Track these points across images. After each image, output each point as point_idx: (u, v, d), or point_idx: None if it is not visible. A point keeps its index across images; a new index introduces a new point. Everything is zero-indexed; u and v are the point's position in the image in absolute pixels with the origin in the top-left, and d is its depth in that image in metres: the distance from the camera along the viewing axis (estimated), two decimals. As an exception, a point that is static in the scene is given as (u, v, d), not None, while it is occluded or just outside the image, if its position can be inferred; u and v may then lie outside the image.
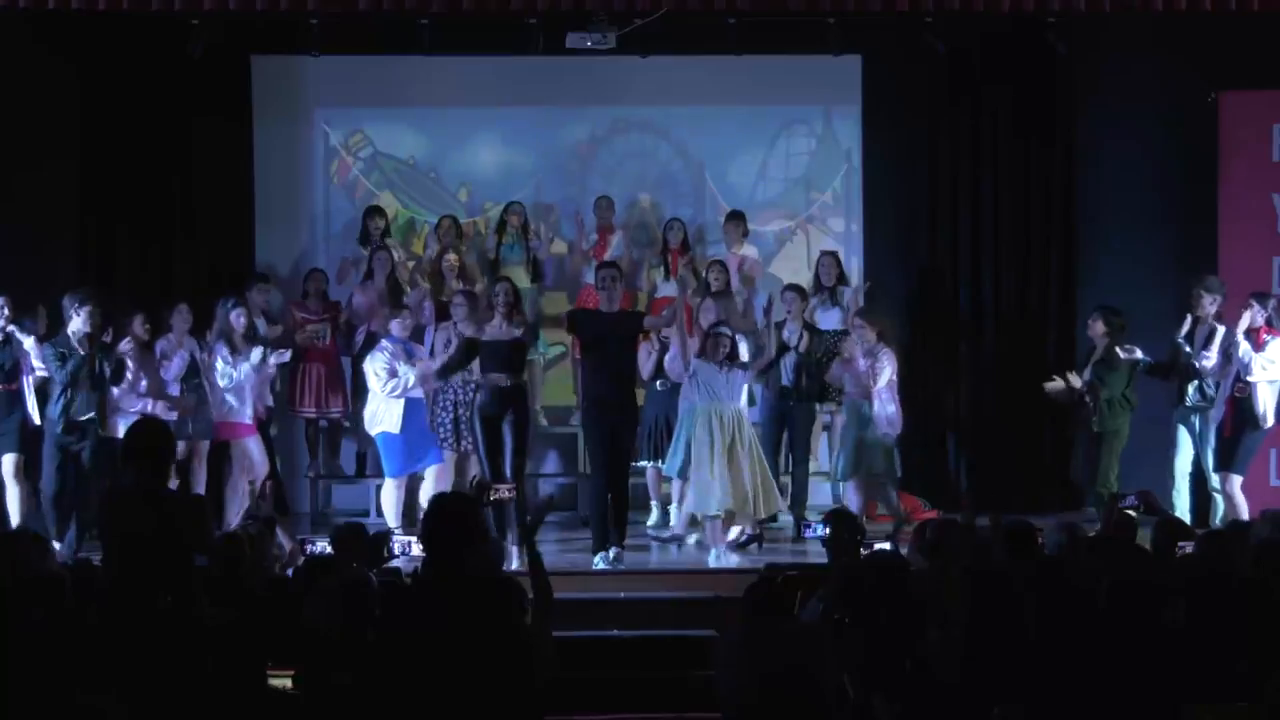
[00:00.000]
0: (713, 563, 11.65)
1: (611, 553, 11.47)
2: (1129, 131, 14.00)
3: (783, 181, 14.88)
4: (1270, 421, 12.15)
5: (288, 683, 6.54)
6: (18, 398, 12.01)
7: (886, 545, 8.86)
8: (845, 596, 7.51)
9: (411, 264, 14.26)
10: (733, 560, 11.69)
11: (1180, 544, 8.99)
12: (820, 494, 13.53)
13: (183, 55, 13.54)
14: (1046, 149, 14.35)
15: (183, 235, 14.24)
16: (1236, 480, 12.13)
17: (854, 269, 14.30)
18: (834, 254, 13.84)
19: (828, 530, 8.70)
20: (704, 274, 13.36)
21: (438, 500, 6.60)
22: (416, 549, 9.41)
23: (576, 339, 11.82)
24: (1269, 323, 12.15)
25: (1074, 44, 13.65)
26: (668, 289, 13.65)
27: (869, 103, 14.61)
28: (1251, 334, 12.11)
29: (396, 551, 9.36)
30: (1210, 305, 12.31)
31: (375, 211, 14.22)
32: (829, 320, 13.45)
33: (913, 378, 14.11)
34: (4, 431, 11.98)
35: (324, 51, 13.88)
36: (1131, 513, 9.62)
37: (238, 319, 12.43)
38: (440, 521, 6.36)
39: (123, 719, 6.16)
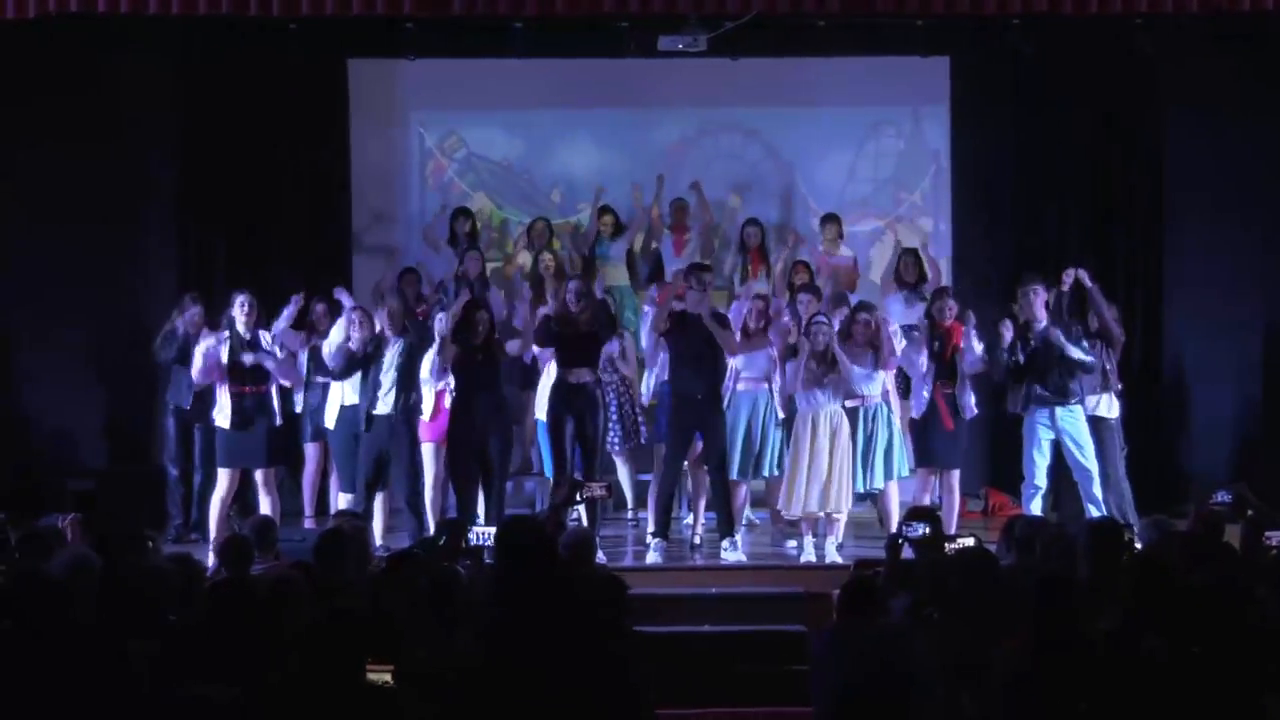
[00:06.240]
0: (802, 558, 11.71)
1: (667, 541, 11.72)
2: (1216, 131, 13.97)
3: (871, 182, 14.99)
4: None
5: (387, 678, 6.61)
6: (265, 401, 11.97)
7: (970, 541, 8.90)
8: (933, 592, 7.64)
9: (495, 265, 14.42)
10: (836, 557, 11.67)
11: (1268, 534, 9.05)
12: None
13: (281, 59, 13.79)
14: (1133, 149, 14.35)
15: (281, 238, 14.37)
16: None
17: (944, 268, 14.32)
18: (914, 251, 13.85)
19: (919, 528, 8.80)
20: (789, 275, 13.52)
21: (505, 530, 6.70)
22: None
23: (668, 343, 11.86)
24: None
25: (1161, 45, 13.63)
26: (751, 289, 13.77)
27: (957, 104, 14.68)
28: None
29: (474, 543, 9.45)
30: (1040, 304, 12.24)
31: (462, 214, 14.30)
32: (910, 317, 13.55)
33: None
34: (252, 438, 11.90)
35: (420, 55, 14.09)
36: (1220, 508, 9.66)
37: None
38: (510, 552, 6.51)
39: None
